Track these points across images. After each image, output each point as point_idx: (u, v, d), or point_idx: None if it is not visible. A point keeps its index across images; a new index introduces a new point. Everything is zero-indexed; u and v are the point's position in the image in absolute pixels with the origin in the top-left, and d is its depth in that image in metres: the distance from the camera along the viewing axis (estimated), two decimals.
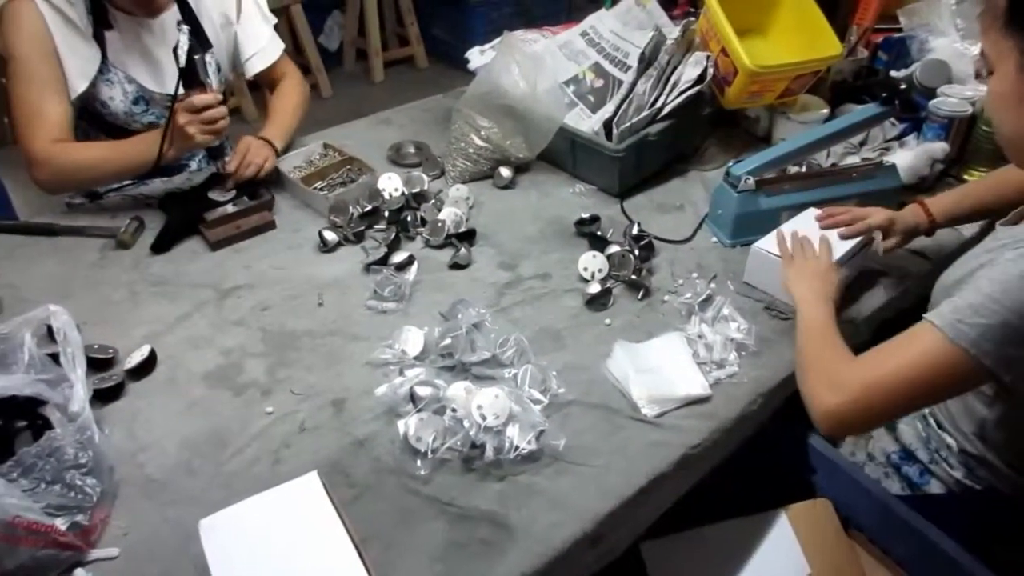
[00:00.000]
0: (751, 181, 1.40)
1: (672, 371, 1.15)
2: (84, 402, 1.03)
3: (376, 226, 1.48)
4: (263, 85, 1.76)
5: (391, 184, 1.54)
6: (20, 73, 1.39)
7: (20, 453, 0.96)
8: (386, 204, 1.50)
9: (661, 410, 1.11)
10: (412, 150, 1.72)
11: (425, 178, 1.55)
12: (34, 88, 1.39)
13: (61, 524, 0.91)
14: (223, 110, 1.37)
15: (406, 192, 1.53)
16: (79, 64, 1.43)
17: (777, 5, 1.70)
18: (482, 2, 3.87)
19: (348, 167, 1.62)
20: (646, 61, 1.54)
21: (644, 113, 1.52)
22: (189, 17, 1.55)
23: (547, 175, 1.66)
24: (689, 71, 1.55)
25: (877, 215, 1.30)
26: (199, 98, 1.34)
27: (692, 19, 1.61)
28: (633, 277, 1.32)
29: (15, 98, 1.40)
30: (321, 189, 1.57)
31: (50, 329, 1.12)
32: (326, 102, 3.83)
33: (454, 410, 1.07)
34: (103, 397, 1.12)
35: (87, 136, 1.64)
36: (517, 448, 1.02)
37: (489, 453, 1.02)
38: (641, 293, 1.32)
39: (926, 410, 1.25)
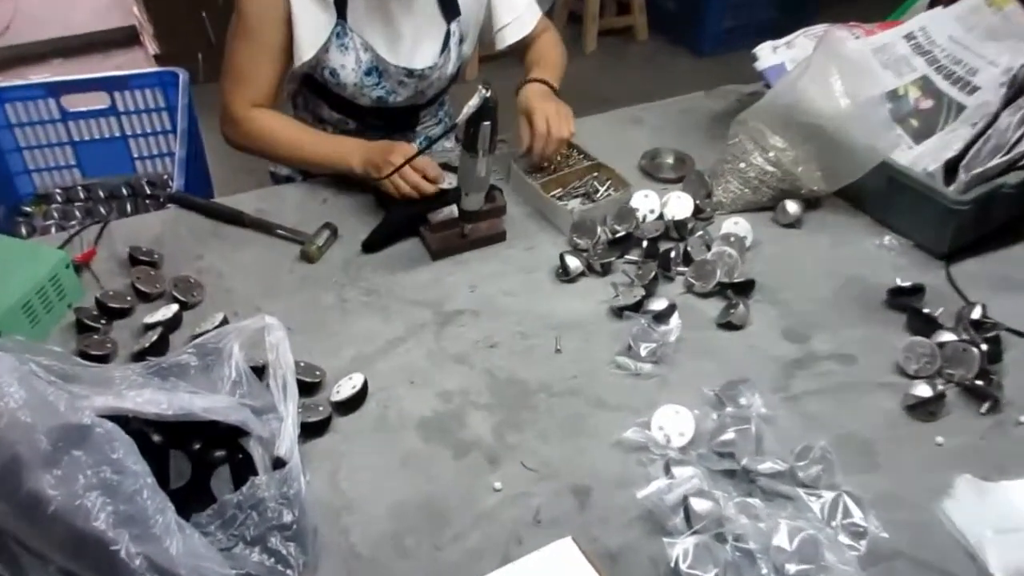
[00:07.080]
0: None
1: None
2: (294, 444, 0.87)
3: (628, 255, 1.22)
4: (516, 56, 1.54)
5: (647, 204, 1.28)
6: (242, 29, 1.33)
7: (221, 501, 0.82)
8: (641, 230, 1.24)
9: None
10: (670, 161, 1.44)
11: (691, 202, 1.27)
12: (252, 48, 1.34)
13: None
14: (430, 189, 1.22)
15: (667, 217, 1.26)
16: (311, 32, 1.32)
17: None
18: None
19: (595, 175, 1.37)
20: (1017, 86, 1.16)
21: (1003, 157, 1.14)
22: None
23: (843, 216, 1.31)
24: None
25: None
26: (425, 161, 1.22)
27: None
28: (978, 383, 0.98)
29: (230, 51, 1.36)
30: (560, 198, 1.33)
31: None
32: None
33: (737, 538, 0.81)
34: (306, 431, 0.96)
35: (307, 106, 1.53)
36: None
37: None
38: (987, 406, 0.98)
39: None
